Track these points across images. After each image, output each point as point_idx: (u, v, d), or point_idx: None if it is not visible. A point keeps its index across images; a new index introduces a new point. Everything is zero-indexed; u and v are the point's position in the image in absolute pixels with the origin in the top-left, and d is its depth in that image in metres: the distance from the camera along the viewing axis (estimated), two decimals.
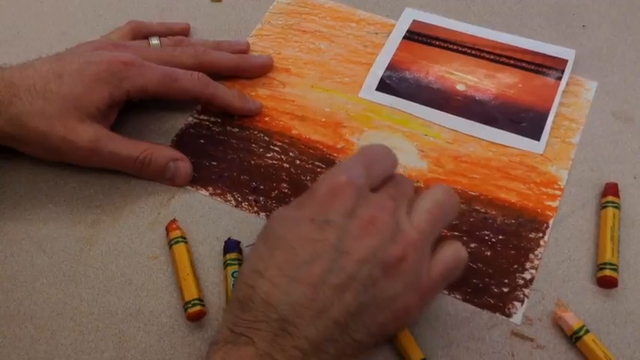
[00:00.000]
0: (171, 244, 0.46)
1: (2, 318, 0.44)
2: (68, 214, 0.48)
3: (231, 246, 0.45)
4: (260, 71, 0.56)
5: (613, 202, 0.47)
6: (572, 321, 0.41)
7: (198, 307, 0.42)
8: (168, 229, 0.46)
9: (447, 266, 0.38)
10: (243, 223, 0.47)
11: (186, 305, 0.43)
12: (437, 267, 0.38)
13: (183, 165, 0.49)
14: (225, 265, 0.44)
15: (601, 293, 0.44)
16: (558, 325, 0.42)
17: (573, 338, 0.41)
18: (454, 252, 0.39)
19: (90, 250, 0.47)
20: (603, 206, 0.47)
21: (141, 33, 0.56)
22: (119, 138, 0.48)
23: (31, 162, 0.50)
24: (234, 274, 0.43)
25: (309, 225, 0.37)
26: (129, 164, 0.48)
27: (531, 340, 0.42)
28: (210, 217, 0.48)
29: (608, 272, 0.44)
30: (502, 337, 0.42)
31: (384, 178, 0.40)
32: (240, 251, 0.45)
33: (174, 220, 0.47)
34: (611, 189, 0.47)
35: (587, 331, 0.41)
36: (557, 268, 0.45)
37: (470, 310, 0.43)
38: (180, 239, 0.45)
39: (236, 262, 0.44)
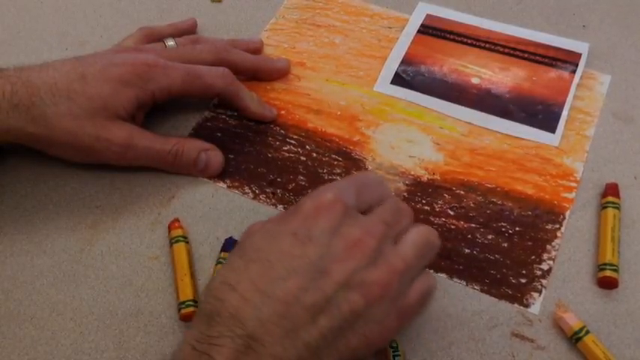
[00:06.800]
0: (171, 242, 0.46)
1: (2, 318, 0.44)
2: (68, 214, 0.48)
3: (229, 245, 0.45)
4: (277, 75, 0.56)
5: (613, 203, 0.47)
6: (573, 322, 0.41)
7: (191, 309, 0.42)
8: (170, 228, 0.46)
9: (422, 294, 0.37)
10: (244, 223, 0.47)
11: (180, 305, 0.43)
12: (413, 295, 0.36)
13: (215, 154, 0.50)
14: (217, 262, 0.45)
15: (601, 294, 0.44)
16: (559, 325, 0.42)
17: (574, 339, 0.41)
18: (426, 280, 0.37)
19: (90, 251, 0.47)
20: (604, 207, 0.47)
21: (153, 37, 0.55)
22: (149, 134, 0.48)
23: (31, 162, 0.50)
24: None
25: (290, 238, 0.35)
26: (162, 158, 0.48)
27: (531, 340, 0.42)
28: (211, 217, 0.48)
29: (608, 273, 0.44)
30: (502, 338, 0.42)
31: (374, 204, 0.38)
32: None
33: (176, 219, 0.47)
34: (612, 189, 0.47)
35: (587, 332, 0.41)
36: (558, 269, 0.45)
37: (470, 310, 0.43)
38: (180, 238, 0.45)
39: None
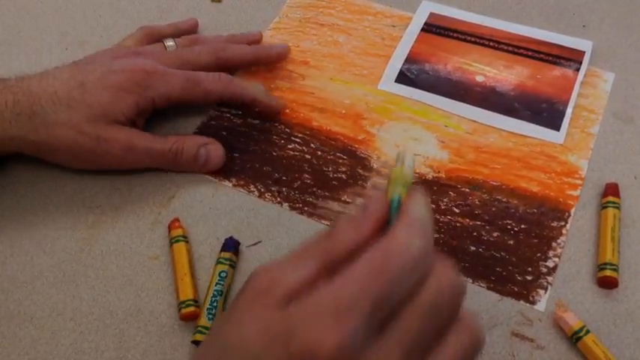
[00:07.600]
0: (171, 242, 0.46)
1: (2, 318, 0.44)
2: (68, 214, 0.48)
3: (229, 245, 0.45)
4: (278, 59, 0.56)
5: (613, 203, 0.47)
6: (573, 321, 0.41)
7: (191, 309, 0.42)
8: (170, 228, 0.46)
9: None
10: (244, 223, 0.47)
11: (180, 305, 0.43)
12: None
13: (214, 147, 0.50)
14: (217, 262, 0.44)
15: (601, 293, 0.44)
16: (558, 325, 0.42)
17: (573, 339, 0.41)
18: None
19: (90, 251, 0.47)
20: (604, 206, 0.47)
21: (154, 37, 0.55)
22: (149, 135, 0.49)
23: (31, 163, 0.50)
24: (222, 274, 0.43)
25: None
26: (163, 157, 0.48)
27: (531, 340, 0.42)
28: (211, 217, 0.48)
29: (608, 272, 0.43)
30: (502, 338, 0.42)
31: (403, 302, 0.27)
32: (236, 252, 0.45)
33: (176, 219, 0.47)
34: (612, 189, 0.47)
35: (587, 332, 0.41)
36: (558, 269, 0.45)
37: (470, 310, 0.43)
38: (180, 238, 0.45)
39: (227, 262, 0.44)
